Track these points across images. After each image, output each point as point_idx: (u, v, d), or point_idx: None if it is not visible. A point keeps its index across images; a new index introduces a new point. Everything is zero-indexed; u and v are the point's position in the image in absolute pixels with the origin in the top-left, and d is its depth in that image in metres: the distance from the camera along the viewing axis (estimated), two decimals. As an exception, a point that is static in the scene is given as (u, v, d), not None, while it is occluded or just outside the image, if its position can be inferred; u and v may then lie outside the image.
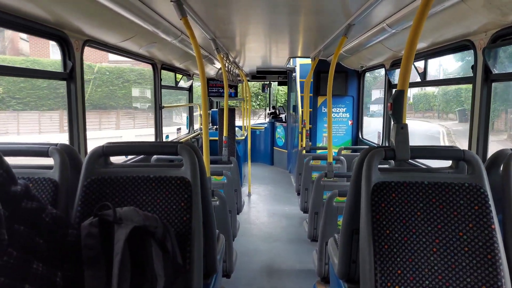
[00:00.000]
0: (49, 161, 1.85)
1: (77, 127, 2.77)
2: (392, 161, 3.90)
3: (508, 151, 1.73)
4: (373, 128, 6.74)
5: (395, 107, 1.75)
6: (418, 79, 3.91)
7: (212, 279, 2.09)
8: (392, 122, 1.79)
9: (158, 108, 4.81)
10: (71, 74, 2.70)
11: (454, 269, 1.58)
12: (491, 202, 1.64)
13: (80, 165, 1.87)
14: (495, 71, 2.58)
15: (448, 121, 19.93)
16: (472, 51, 2.73)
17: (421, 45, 3.34)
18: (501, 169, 1.74)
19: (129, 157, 3.94)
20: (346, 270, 1.95)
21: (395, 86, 4.78)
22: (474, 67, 2.71)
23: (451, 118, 20.34)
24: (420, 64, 3.84)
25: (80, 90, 2.78)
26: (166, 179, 1.76)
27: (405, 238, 1.62)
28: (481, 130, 2.68)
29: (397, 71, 4.62)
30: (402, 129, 1.74)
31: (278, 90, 15.39)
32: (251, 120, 9.11)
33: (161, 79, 4.84)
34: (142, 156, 3.97)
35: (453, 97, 19.97)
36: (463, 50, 3.03)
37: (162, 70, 4.89)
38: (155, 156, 3.88)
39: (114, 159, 1.99)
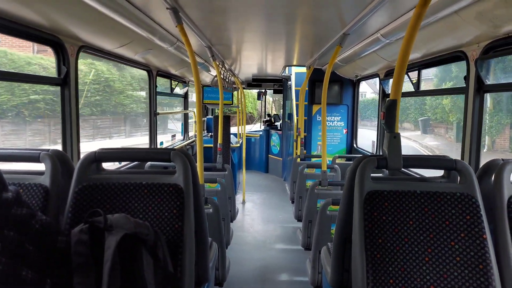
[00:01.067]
0: (40, 166, 1.84)
1: (70, 133, 2.76)
2: (386, 170, 3.91)
3: (499, 161, 1.75)
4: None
5: (388, 116, 1.76)
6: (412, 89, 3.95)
7: (204, 287, 2.07)
8: (385, 131, 1.80)
9: (152, 114, 4.80)
10: (65, 79, 2.69)
11: (446, 278, 1.58)
12: (482, 212, 1.65)
13: (72, 171, 1.85)
14: (488, 82, 2.61)
15: (406, 132, 17.09)
16: (465, 62, 2.77)
17: (414, 55, 3.38)
18: (493, 179, 1.75)
19: (122, 163, 3.92)
20: (339, 279, 1.94)
21: (388, 95, 4.81)
22: (466, 78, 2.74)
23: (408, 128, 17.69)
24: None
25: (74, 96, 2.77)
26: (158, 186, 1.75)
27: (397, 247, 1.62)
28: (473, 140, 2.70)
29: (391, 81, 4.65)
30: (395, 138, 1.74)
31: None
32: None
33: (156, 86, 4.84)
34: (135, 162, 3.95)
35: (410, 105, 17.27)
36: (455, 61, 3.07)
37: (157, 77, 4.90)
38: (149, 163, 3.87)
39: (107, 166, 1.98)
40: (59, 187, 1.80)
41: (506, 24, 2.11)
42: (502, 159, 1.75)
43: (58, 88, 2.73)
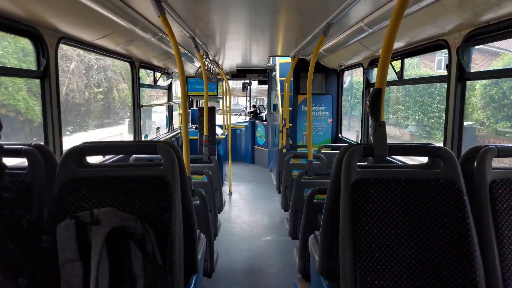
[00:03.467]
0: (22, 161, 1.79)
1: (52, 126, 2.70)
2: (371, 158, 3.95)
3: (481, 147, 1.79)
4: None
5: (373, 105, 1.77)
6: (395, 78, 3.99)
7: (193, 279, 2.07)
8: (370, 120, 1.82)
9: (136, 107, 4.74)
10: (45, 72, 2.62)
11: (431, 262, 1.62)
12: (465, 197, 1.69)
13: (55, 165, 1.81)
14: (469, 69, 2.66)
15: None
16: (447, 50, 2.81)
17: (398, 44, 3.41)
18: (475, 164, 1.79)
19: (107, 157, 3.87)
20: (327, 267, 1.97)
21: (372, 84, 4.86)
22: (448, 66, 2.78)
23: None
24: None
25: (54, 88, 2.70)
26: (145, 178, 1.73)
27: (383, 234, 1.65)
28: (455, 127, 2.75)
29: (375, 70, 4.70)
30: (380, 127, 1.76)
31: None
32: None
33: (139, 78, 4.76)
34: (120, 156, 3.90)
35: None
36: (438, 50, 3.10)
37: (140, 69, 4.82)
38: (133, 156, 3.82)
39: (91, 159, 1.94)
40: (42, 182, 1.76)
41: (486, 12, 2.14)
42: (484, 145, 1.79)
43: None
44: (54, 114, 2.71)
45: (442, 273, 1.61)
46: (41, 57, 2.60)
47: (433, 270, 1.61)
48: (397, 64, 3.90)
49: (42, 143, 2.25)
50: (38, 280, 1.38)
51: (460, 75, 2.69)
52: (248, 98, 13.79)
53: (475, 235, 1.65)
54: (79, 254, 1.36)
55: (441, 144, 2.02)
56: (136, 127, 4.77)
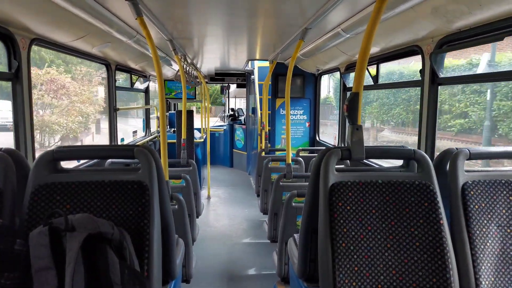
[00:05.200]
0: None
1: (23, 130, 2.61)
2: (347, 161, 4.01)
3: (453, 150, 1.84)
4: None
5: (351, 109, 1.80)
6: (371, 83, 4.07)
7: (171, 285, 2.05)
8: (348, 123, 1.85)
9: (112, 110, 4.64)
10: (17, 74, 2.54)
11: (407, 263, 1.66)
12: (439, 198, 1.73)
13: (27, 170, 1.75)
14: (441, 75, 2.74)
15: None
16: (420, 56, 2.89)
17: (373, 50, 3.48)
18: (448, 167, 1.85)
19: (81, 161, 3.77)
20: (306, 269, 1.98)
21: (349, 89, 4.94)
22: (422, 71, 2.86)
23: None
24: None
25: (27, 91, 2.62)
26: (122, 183, 1.70)
27: (361, 236, 1.68)
28: (429, 130, 2.83)
29: (352, 75, 4.78)
30: (357, 130, 1.79)
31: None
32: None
33: (115, 80, 4.67)
34: (94, 160, 3.81)
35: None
36: (412, 55, 3.19)
37: (116, 71, 4.73)
38: (109, 160, 3.75)
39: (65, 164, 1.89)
40: (13, 188, 1.70)
41: (458, 19, 2.22)
42: (456, 148, 1.84)
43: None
44: (27, 118, 2.62)
45: (418, 273, 1.64)
46: (12, 58, 2.51)
47: (409, 270, 1.65)
48: (372, 68, 3.99)
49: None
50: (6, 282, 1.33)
51: (433, 80, 2.77)
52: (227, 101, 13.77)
53: (449, 236, 1.70)
54: (53, 262, 1.32)
55: None
56: (112, 131, 4.67)
